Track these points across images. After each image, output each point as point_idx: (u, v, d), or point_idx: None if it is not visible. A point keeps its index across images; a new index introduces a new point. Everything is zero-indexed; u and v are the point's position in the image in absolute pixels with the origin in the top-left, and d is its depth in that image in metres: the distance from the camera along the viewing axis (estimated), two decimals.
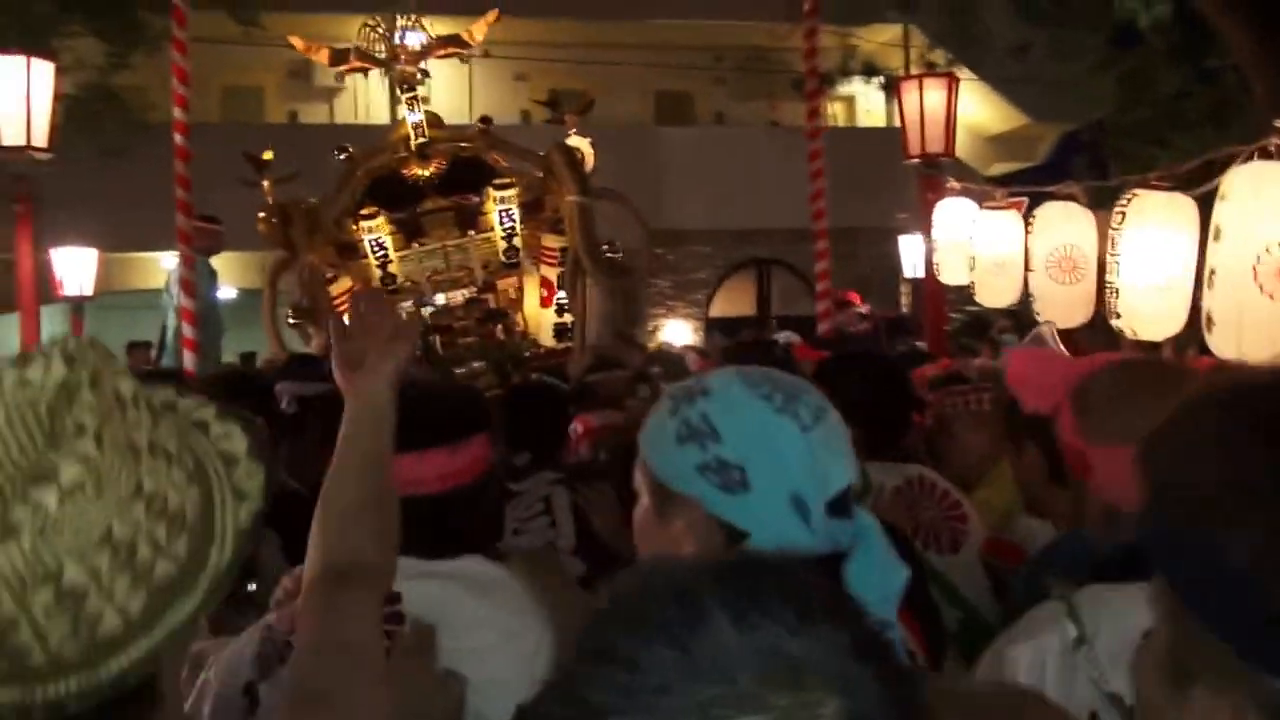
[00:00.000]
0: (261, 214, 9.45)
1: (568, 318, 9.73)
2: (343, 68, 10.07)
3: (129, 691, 1.19)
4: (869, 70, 15.27)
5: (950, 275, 7.84)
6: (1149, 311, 4.46)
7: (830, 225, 9.92)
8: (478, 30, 10.00)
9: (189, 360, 8.60)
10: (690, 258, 20.71)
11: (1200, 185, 4.22)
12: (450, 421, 2.57)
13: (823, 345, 7.41)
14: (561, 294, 9.70)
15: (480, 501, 2.43)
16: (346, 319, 2.12)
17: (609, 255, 9.44)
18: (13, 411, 1.16)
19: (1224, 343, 3.63)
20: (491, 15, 9.95)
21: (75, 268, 10.89)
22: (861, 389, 3.31)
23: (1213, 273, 3.62)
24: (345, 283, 9.61)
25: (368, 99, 22.39)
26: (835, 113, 22.70)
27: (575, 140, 9.58)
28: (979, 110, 23.16)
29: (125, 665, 1.15)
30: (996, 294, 6.69)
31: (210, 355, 9.58)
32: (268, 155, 9.49)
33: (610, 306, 9.43)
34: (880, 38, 19.55)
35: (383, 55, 9.91)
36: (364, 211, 9.50)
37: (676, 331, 19.28)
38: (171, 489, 1.21)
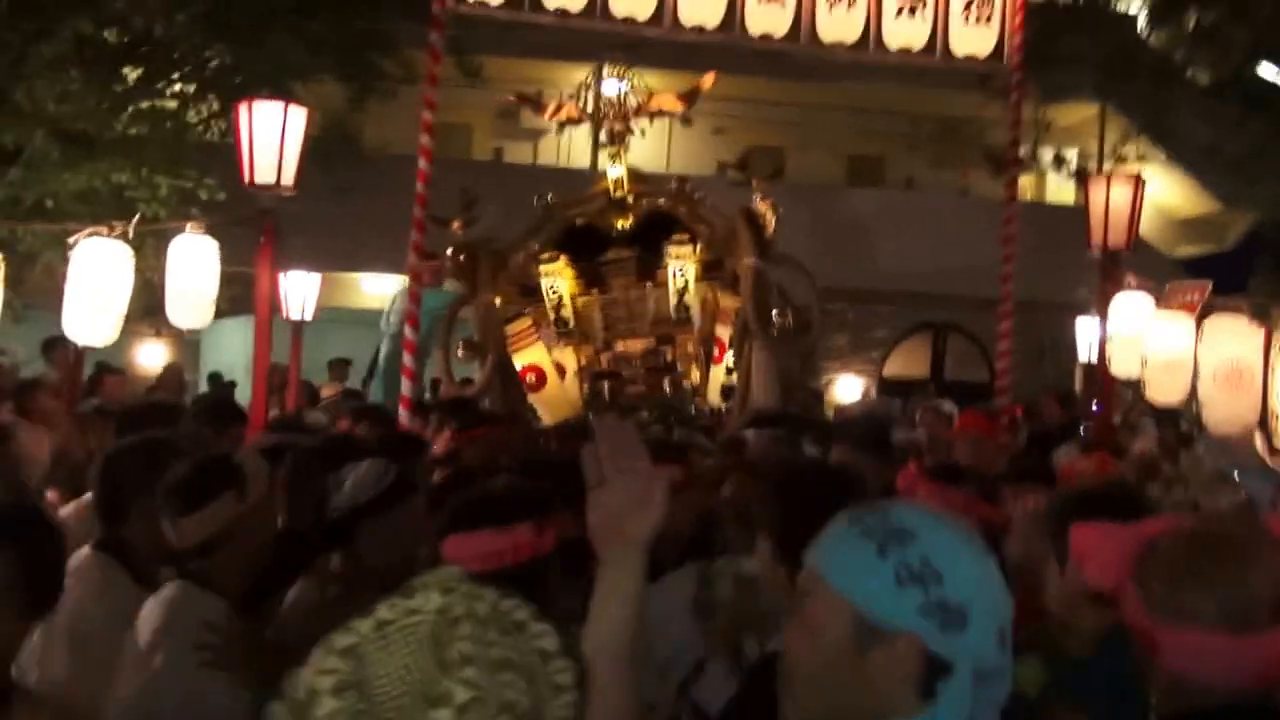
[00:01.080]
0: (450, 250, 9.86)
1: (734, 378, 9.82)
2: (556, 117, 10.55)
3: None
4: (1058, 159, 15.33)
5: (1121, 368, 8.09)
6: None
7: (1012, 295, 10.20)
8: (694, 92, 10.27)
9: (406, 388, 9.41)
10: (869, 316, 20.95)
11: None
12: (501, 503, 2.87)
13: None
14: (731, 354, 9.81)
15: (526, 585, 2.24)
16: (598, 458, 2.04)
17: (777, 320, 9.47)
18: (410, 637, 1.41)
19: None
20: (709, 79, 10.23)
21: (300, 291, 11.65)
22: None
23: None
24: (524, 322, 9.97)
25: (570, 143, 22.88)
26: (1024, 186, 22.82)
27: (761, 205, 9.76)
28: (1169, 192, 22.93)
29: None
30: (1165, 392, 6.94)
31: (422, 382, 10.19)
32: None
33: (774, 370, 9.43)
34: (1077, 116, 19.60)
35: (592, 110, 10.46)
36: (544, 255, 9.79)
37: (850, 387, 19.58)
38: (520, 695, 1.42)
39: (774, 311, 9.45)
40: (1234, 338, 5.86)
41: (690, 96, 10.26)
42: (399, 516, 3.59)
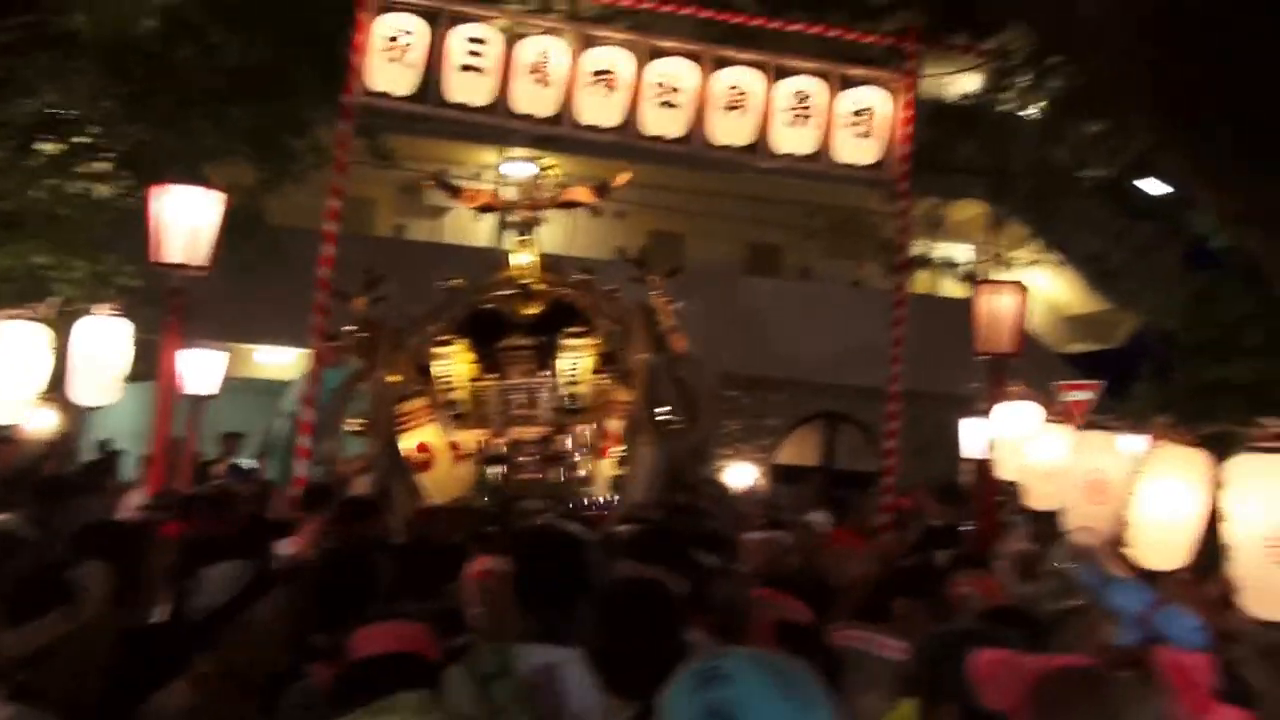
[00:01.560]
0: (350, 327, 9.94)
1: (621, 471, 9.97)
2: (474, 204, 10.95)
3: None
4: (950, 264, 15.75)
5: (1005, 470, 8.31)
6: (1155, 543, 5.03)
7: (901, 387, 10.56)
8: (606, 186, 10.54)
9: (303, 468, 9.49)
10: (763, 404, 21.09)
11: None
12: None
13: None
14: (622, 447, 9.98)
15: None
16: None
17: (664, 418, 9.67)
18: None
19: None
20: (623, 177, 10.52)
21: (200, 365, 11.67)
22: None
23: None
24: (420, 401, 10.05)
25: (472, 223, 23.16)
26: (918, 278, 23.22)
27: (657, 300, 9.95)
28: (1061, 289, 23.63)
29: None
30: (1043, 499, 7.15)
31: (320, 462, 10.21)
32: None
33: (659, 466, 9.60)
34: (970, 212, 20.09)
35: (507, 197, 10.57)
36: (440, 338, 9.97)
37: (741, 474, 19.76)
38: None
39: (664, 409, 9.60)
40: (1100, 451, 6.06)
41: (602, 190, 10.47)
42: (261, 613, 3.59)
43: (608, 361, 10.10)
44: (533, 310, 10.27)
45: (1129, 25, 7.91)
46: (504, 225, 21.40)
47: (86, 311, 7.90)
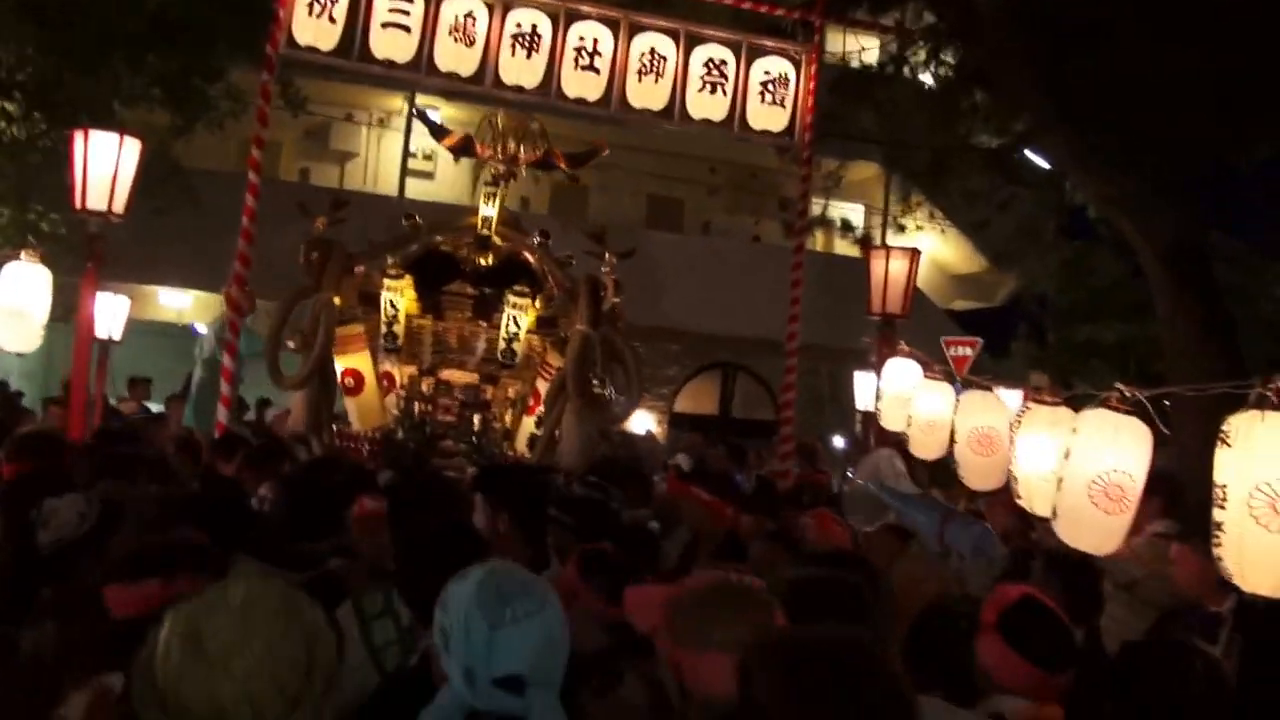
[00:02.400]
0: (306, 244, 10.14)
1: (541, 430, 10.35)
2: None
3: None
4: (846, 225, 16.28)
5: (891, 423, 8.87)
6: (1035, 493, 5.63)
7: (799, 341, 11.04)
8: (590, 154, 11.33)
9: (222, 414, 9.71)
10: (661, 354, 21.49)
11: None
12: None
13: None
14: (543, 408, 10.34)
15: None
16: None
17: (593, 389, 9.96)
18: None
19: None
20: (604, 151, 11.35)
21: (108, 313, 11.81)
22: None
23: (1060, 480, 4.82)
24: (356, 328, 10.29)
25: (377, 170, 23.22)
26: (816, 236, 23.72)
27: (607, 278, 10.38)
28: (948, 249, 24.34)
29: None
30: (927, 449, 7.70)
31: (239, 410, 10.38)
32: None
33: (583, 433, 9.92)
34: (867, 173, 20.65)
35: (491, 152, 10.70)
36: (392, 271, 10.20)
37: (640, 421, 20.22)
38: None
39: (593, 380, 9.91)
40: (985, 410, 6.61)
41: (583, 158, 11.24)
42: (111, 548, 3.72)
43: (546, 325, 10.47)
44: (486, 261, 10.57)
45: (1018, 21, 8.53)
46: (407, 173, 21.72)
47: (12, 258, 8.05)
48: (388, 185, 22.54)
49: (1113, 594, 5.19)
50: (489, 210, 10.54)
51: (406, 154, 22.11)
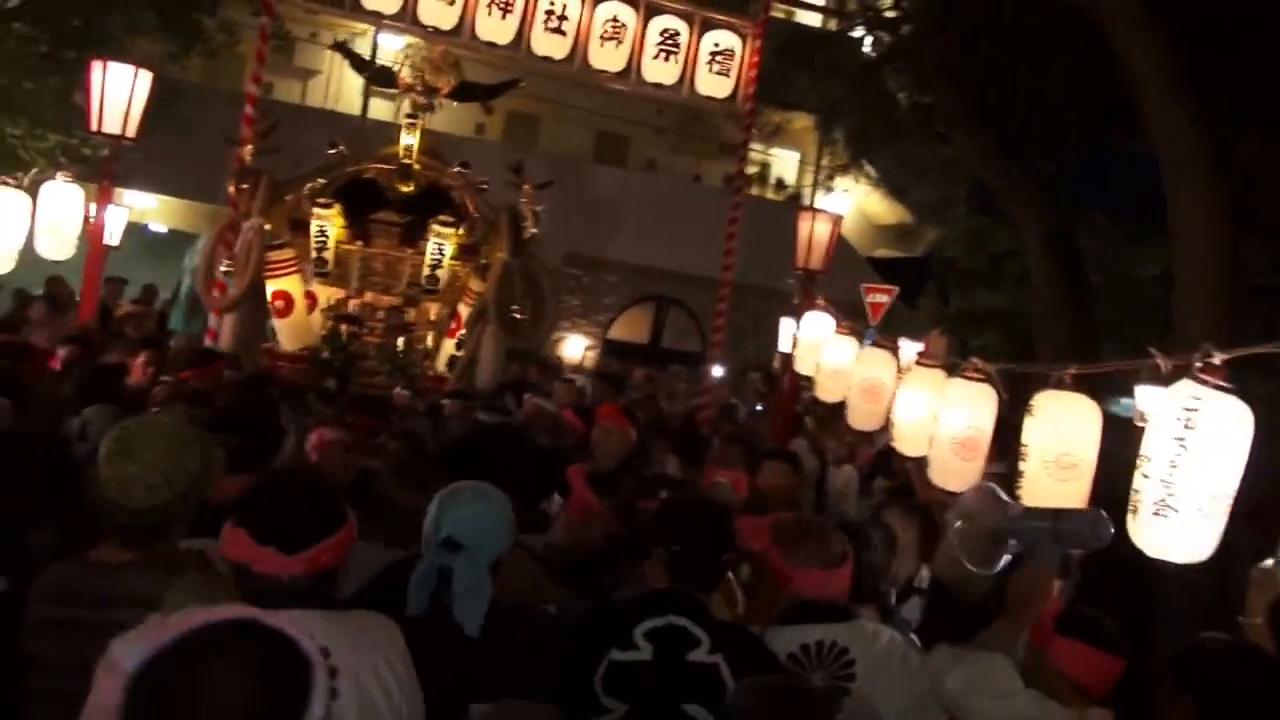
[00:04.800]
0: (235, 173, 10.60)
1: (461, 352, 10.87)
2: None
3: None
4: (780, 185, 17.38)
5: (804, 368, 10.01)
6: (906, 437, 6.86)
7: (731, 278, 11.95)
8: (507, 85, 11.75)
9: (214, 321, 10.64)
10: (600, 284, 22.49)
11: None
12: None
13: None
14: (464, 332, 10.88)
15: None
16: None
17: (513, 315, 10.46)
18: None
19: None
20: (520, 83, 11.93)
21: (112, 223, 12.64)
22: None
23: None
24: (287, 253, 10.75)
25: (339, 87, 23.72)
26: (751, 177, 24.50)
27: (525, 208, 10.88)
28: (875, 201, 25.37)
29: None
30: (831, 393, 8.85)
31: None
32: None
33: (500, 354, 10.48)
34: (804, 123, 21.60)
35: (410, 79, 11.11)
36: (322, 200, 10.60)
37: (575, 346, 21.29)
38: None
39: (512, 307, 10.48)
40: (877, 362, 7.77)
41: (498, 89, 11.80)
42: None
43: (468, 252, 10.99)
44: (408, 189, 11.03)
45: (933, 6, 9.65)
46: (370, 93, 22.37)
47: (49, 177, 8.77)
48: (350, 104, 23.09)
49: (954, 522, 6.42)
50: (410, 139, 10.91)
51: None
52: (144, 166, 13.62)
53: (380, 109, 22.41)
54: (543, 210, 11.20)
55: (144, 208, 21.04)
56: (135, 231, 17.88)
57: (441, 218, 10.63)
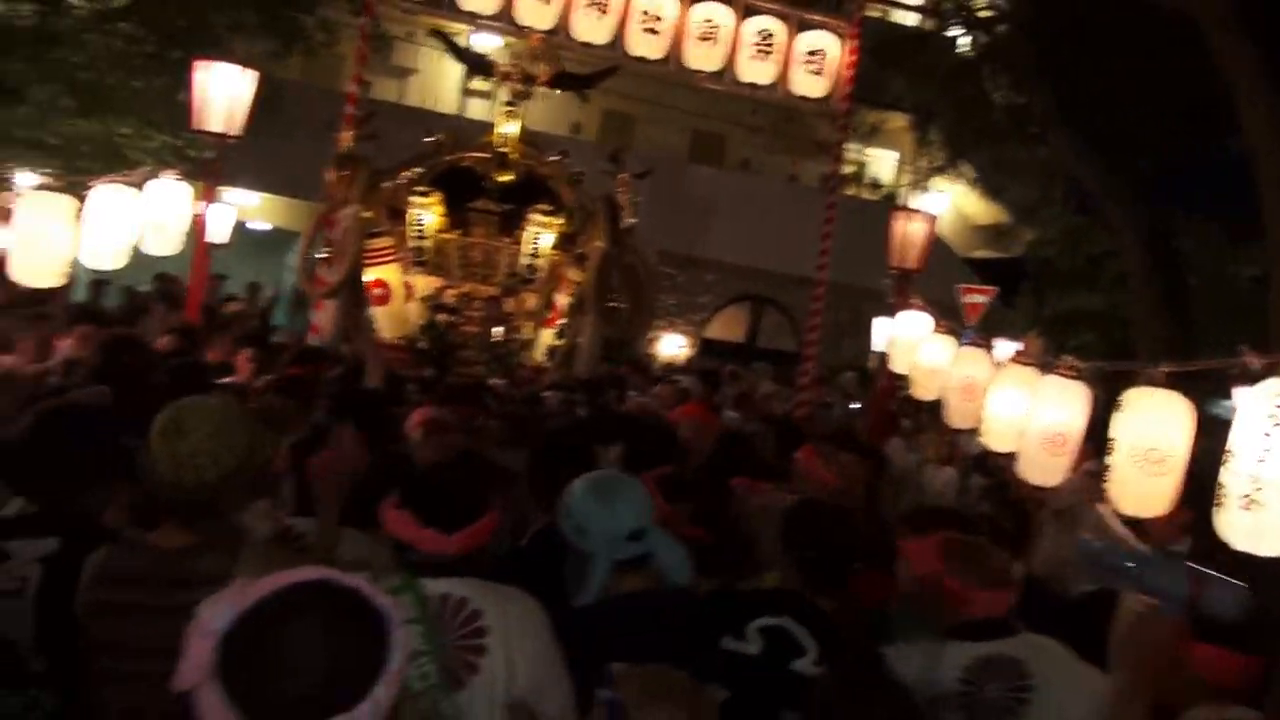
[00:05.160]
0: (334, 160, 10.56)
1: (560, 342, 10.90)
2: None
3: None
4: (875, 185, 17.37)
5: (899, 367, 10.05)
6: (998, 433, 6.89)
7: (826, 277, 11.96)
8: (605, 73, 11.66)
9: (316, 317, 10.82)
10: (696, 283, 22.59)
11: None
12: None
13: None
14: (564, 321, 10.92)
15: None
16: None
17: (610, 305, 10.46)
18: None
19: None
20: (616, 72, 11.78)
21: (219, 221, 12.91)
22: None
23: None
24: (386, 240, 10.78)
25: (436, 86, 23.90)
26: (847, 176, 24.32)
27: (622, 197, 10.89)
28: (972, 201, 25.19)
29: None
30: (926, 391, 8.89)
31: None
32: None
33: (598, 344, 10.43)
34: (900, 124, 21.53)
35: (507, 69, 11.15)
36: (421, 188, 10.62)
37: (672, 345, 21.38)
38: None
39: (610, 295, 10.51)
40: (973, 361, 7.80)
41: (596, 77, 11.75)
42: None
43: (566, 242, 10.93)
44: (506, 178, 10.99)
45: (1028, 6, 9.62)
46: (467, 92, 22.60)
47: (154, 176, 8.82)
48: (447, 103, 23.30)
49: (1052, 519, 6.47)
50: (508, 128, 10.92)
51: (466, 74, 22.88)
52: (246, 164, 13.99)
53: (477, 109, 22.64)
54: (641, 200, 11.26)
55: (245, 205, 21.50)
56: (237, 229, 18.12)
57: (539, 207, 10.64)
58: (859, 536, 3.77)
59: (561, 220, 10.76)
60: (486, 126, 11.47)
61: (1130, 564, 3.72)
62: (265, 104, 10.92)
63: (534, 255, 10.69)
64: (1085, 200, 13.62)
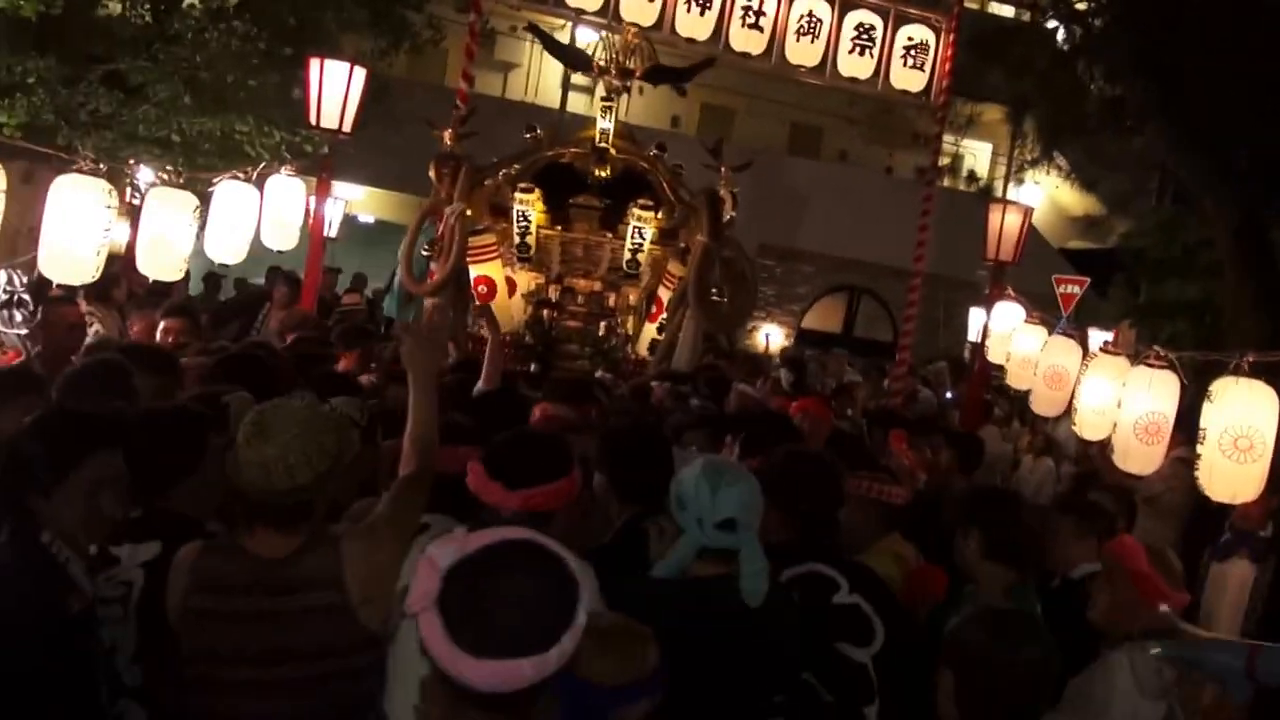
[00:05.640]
0: (435, 158, 10.52)
1: (663, 336, 10.78)
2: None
3: None
4: (971, 177, 17.41)
5: (995, 357, 10.24)
6: (1088, 423, 7.08)
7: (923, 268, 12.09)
8: (700, 66, 11.53)
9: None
10: (794, 274, 22.77)
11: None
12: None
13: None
14: (665, 315, 10.82)
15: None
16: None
17: (713, 299, 10.40)
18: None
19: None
20: (713, 64, 11.69)
21: (330, 214, 13.33)
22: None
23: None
24: (489, 238, 10.73)
25: (539, 80, 24.33)
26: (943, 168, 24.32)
27: (724, 191, 10.81)
28: (1066, 192, 24.99)
29: None
30: (1020, 380, 9.09)
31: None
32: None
33: (699, 337, 10.35)
34: (996, 115, 21.53)
35: (605, 63, 11.01)
36: (523, 185, 10.50)
37: (771, 334, 21.67)
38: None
39: (712, 289, 10.47)
40: (1063, 351, 8.00)
41: (692, 71, 11.59)
42: None
43: (668, 236, 10.85)
44: (605, 173, 10.89)
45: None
46: (569, 86, 22.93)
47: (274, 172, 9.32)
48: (549, 98, 23.67)
49: (1142, 505, 6.65)
50: (605, 123, 10.81)
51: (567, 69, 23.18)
52: (352, 158, 14.35)
53: (578, 103, 22.97)
54: (740, 193, 11.25)
55: (352, 199, 22.03)
56: (346, 222, 18.77)
57: (641, 201, 10.58)
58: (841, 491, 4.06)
59: (662, 214, 10.71)
60: (588, 121, 11.54)
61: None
62: (372, 100, 11.21)
63: (636, 250, 10.68)
64: (1179, 191, 13.58)
